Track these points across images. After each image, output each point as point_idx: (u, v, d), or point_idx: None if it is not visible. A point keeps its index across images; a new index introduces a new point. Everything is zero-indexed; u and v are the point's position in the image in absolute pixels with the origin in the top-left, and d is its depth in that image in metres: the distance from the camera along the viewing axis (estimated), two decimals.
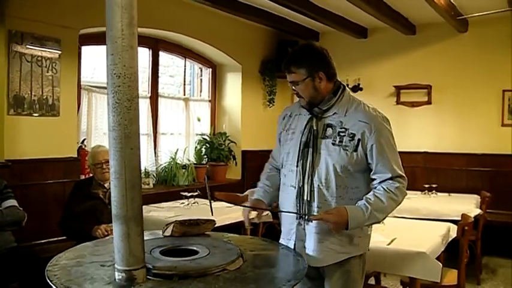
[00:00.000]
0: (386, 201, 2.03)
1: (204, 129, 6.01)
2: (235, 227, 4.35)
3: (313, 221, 2.08)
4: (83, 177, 4.16)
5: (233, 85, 6.25)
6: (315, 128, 2.13)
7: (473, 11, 4.93)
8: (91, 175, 3.52)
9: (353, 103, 2.15)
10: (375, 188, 2.10)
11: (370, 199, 2.04)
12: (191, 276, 1.63)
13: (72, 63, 4.13)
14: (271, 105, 6.60)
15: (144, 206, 3.88)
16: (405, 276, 2.96)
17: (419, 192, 5.07)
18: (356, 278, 2.18)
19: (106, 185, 3.38)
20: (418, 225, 3.32)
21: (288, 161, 2.19)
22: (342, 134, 2.08)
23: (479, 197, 4.90)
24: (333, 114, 2.13)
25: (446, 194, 5.07)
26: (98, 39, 4.59)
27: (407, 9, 5.26)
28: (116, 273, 1.57)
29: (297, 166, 2.14)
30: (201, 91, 6.24)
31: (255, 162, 6.21)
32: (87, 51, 4.64)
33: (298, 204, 2.14)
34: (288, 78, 2.13)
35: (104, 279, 1.60)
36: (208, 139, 5.88)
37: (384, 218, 2.07)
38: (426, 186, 5.08)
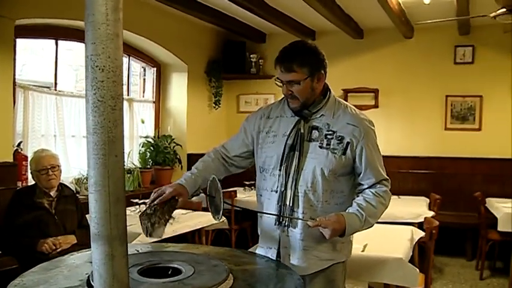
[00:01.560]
0: (377, 206, 1.97)
1: (148, 132, 5.70)
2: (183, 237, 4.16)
3: (297, 227, 1.98)
4: (20, 184, 3.74)
5: (178, 86, 5.99)
6: (302, 131, 1.99)
7: (420, 18, 5.03)
8: (33, 182, 3.15)
9: (339, 105, 2.05)
10: (363, 192, 2.02)
11: (362, 205, 1.94)
12: None
13: (6, 57, 3.70)
14: (217, 107, 6.42)
15: (88, 215, 3.65)
16: (375, 282, 2.91)
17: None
18: (339, 287, 2.09)
19: (52, 193, 3.04)
20: (383, 230, 3.27)
21: (271, 165, 2.04)
22: (329, 136, 1.98)
23: (427, 199, 5.01)
24: (320, 116, 2.01)
25: (396, 197, 5.12)
26: (34, 31, 4.20)
27: (359, 13, 5.29)
28: None
29: (280, 170, 2.00)
30: (144, 92, 5.92)
31: None
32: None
33: (279, 210, 2.00)
34: (283, 77, 1.96)
35: None
36: (152, 142, 5.58)
37: (375, 222, 2.00)
38: None
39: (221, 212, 1.92)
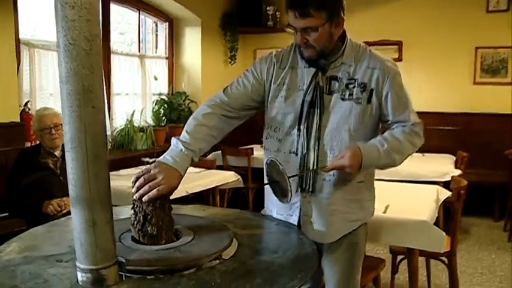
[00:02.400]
0: (403, 142, 1.74)
1: (161, 89, 5.53)
2: (200, 196, 4.03)
3: (324, 191, 1.79)
4: (28, 144, 3.63)
5: (192, 41, 5.75)
6: (320, 83, 1.77)
7: None
8: (38, 142, 3.02)
9: (359, 49, 1.80)
10: (390, 129, 1.83)
11: (385, 137, 1.75)
12: (178, 271, 1.27)
13: (6, 13, 3.52)
14: (232, 62, 6.17)
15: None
16: (397, 246, 2.74)
17: None
18: (362, 252, 1.94)
19: (56, 153, 2.91)
20: (406, 190, 3.08)
21: (286, 124, 1.81)
22: (350, 86, 1.75)
23: (453, 156, 4.76)
24: (340, 64, 1.78)
25: (420, 154, 4.87)
26: None
27: None
28: (79, 274, 1.19)
29: (299, 130, 1.79)
30: (156, 48, 5.71)
31: None
32: (24, 2, 4.00)
33: (300, 177, 1.80)
34: (297, 24, 1.68)
35: (62, 282, 1.21)
36: (166, 99, 5.42)
37: (401, 162, 1.78)
38: None
39: (290, 194, 1.67)
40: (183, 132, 1.72)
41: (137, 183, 1.52)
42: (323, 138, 1.76)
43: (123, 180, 3.37)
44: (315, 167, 1.76)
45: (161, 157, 1.65)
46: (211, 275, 1.25)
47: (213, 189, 3.79)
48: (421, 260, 2.82)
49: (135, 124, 4.85)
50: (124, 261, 1.27)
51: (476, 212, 5.01)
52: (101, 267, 1.17)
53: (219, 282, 1.21)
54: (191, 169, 3.89)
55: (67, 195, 2.77)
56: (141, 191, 1.49)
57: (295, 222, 1.82)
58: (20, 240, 1.54)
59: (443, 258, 2.88)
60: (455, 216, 2.73)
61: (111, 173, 3.52)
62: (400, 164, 1.78)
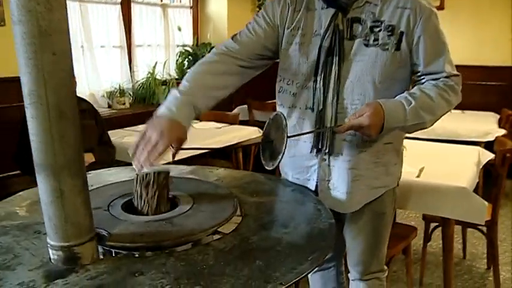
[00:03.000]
0: (435, 99, 1.46)
1: (185, 40, 5.27)
2: (225, 152, 3.85)
3: (344, 153, 1.54)
4: None
5: None
6: (340, 27, 1.49)
7: None
8: None
9: None
10: (421, 83, 1.54)
11: (413, 93, 1.47)
12: (166, 247, 1.09)
13: None
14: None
15: (117, 131, 3.37)
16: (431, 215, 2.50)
17: None
18: (388, 222, 1.72)
19: None
20: (443, 150, 2.80)
21: (302, 75, 1.56)
22: (376, 29, 1.47)
23: (497, 114, 4.38)
24: (363, 4, 1.49)
25: (460, 112, 4.52)
26: None
27: None
28: (50, 251, 1.02)
29: (316, 81, 1.53)
30: None
31: None
32: None
33: (317, 135, 1.57)
34: None
35: (34, 259, 1.05)
36: (191, 51, 5.17)
37: (431, 124, 1.50)
38: None
39: (278, 159, 1.42)
40: (182, 81, 1.50)
41: (136, 154, 1.28)
42: (343, 91, 1.51)
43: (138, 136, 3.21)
44: (332, 125, 1.52)
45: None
46: (204, 254, 1.06)
47: (236, 145, 3.59)
48: (457, 228, 2.57)
49: (158, 77, 4.65)
50: (105, 234, 1.10)
51: None
52: (74, 244, 1.00)
53: (212, 264, 1.02)
54: (212, 124, 3.74)
55: (84, 150, 2.71)
56: (140, 160, 1.26)
57: (313, 188, 1.61)
58: (3, 205, 1.39)
59: (482, 227, 2.62)
60: (499, 182, 2.45)
61: (129, 128, 3.42)
62: (430, 125, 1.50)
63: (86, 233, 1.01)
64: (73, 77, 0.98)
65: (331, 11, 1.50)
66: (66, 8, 0.93)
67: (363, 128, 1.40)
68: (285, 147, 1.41)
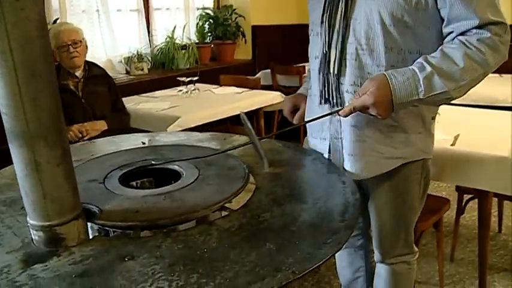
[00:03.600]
0: (461, 60, 1.17)
1: (206, 2, 5.06)
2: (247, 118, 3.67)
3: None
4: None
5: None
6: None
7: None
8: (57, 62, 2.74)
9: None
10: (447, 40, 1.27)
11: (432, 56, 1.21)
12: (163, 226, 0.95)
13: None
14: None
15: (134, 97, 3.24)
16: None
17: None
18: (415, 203, 1.50)
19: (77, 74, 2.63)
20: (481, 116, 2.56)
21: (315, 22, 1.38)
22: None
23: None
24: None
25: (497, 75, 4.21)
26: None
27: None
28: (32, 232, 0.89)
29: (322, 22, 1.34)
30: None
31: (267, 38, 5.35)
32: None
33: (322, 83, 1.38)
34: None
35: (15, 239, 0.92)
36: (211, 14, 4.97)
37: (460, 91, 1.20)
38: None
39: (264, 159, 1.29)
40: None
41: None
42: (348, 33, 1.29)
43: (155, 102, 3.09)
44: (335, 71, 1.33)
45: None
46: (207, 234, 0.92)
47: (257, 111, 3.43)
48: (493, 200, 2.37)
49: (177, 41, 4.49)
50: (96, 211, 0.97)
51: None
52: (56, 224, 0.87)
53: (214, 247, 0.87)
54: (231, 89, 3.58)
55: (90, 119, 2.60)
56: None
57: (327, 148, 1.43)
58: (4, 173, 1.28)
59: None
60: None
61: (144, 94, 3.30)
62: (460, 94, 1.22)
63: (69, 211, 0.88)
64: (46, 30, 0.83)
65: None
66: None
67: (368, 109, 1.20)
68: (261, 149, 1.28)
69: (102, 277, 0.79)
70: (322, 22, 1.35)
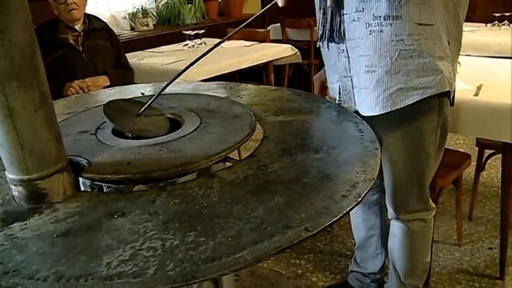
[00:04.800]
0: None
1: None
2: (257, 73, 3.54)
3: (354, 37, 1.25)
4: None
5: None
6: None
7: None
8: (56, 15, 2.60)
9: None
10: None
11: None
12: (158, 180, 0.85)
13: None
14: None
15: (137, 52, 3.10)
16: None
17: (484, 25, 4.02)
18: (427, 151, 1.38)
19: (77, 27, 2.49)
20: (503, 66, 2.39)
21: None
22: None
23: None
24: None
25: None
26: None
27: None
28: (11, 188, 0.80)
29: None
30: None
31: None
32: None
33: (323, 20, 1.31)
34: None
35: None
36: None
37: None
38: (496, 15, 3.98)
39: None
40: None
41: None
42: None
43: (160, 57, 2.95)
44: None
45: None
46: (207, 188, 0.81)
47: (267, 65, 3.27)
48: None
49: None
50: (85, 163, 0.87)
51: None
52: (36, 178, 0.77)
53: (215, 202, 0.77)
54: (240, 43, 3.41)
55: (90, 75, 2.48)
56: None
57: (337, 90, 1.37)
58: None
59: None
60: None
61: (150, 50, 3.16)
62: None
63: (52, 163, 0.78)
64: None
65: None
66: None
67: None
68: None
69: (87, 236, 0.69)
70: None
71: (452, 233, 2.31)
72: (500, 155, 2.07)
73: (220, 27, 4.18)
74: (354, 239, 1.89)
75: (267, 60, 3.12)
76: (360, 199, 0.79)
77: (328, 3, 1.25)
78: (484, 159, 2.44)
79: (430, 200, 1.51)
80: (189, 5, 4.27)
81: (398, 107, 1.26)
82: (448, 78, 1.27)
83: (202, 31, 3.20)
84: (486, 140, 2.20)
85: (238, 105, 1.19)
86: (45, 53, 2.29)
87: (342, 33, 1.26)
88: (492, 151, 2.37)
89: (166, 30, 4.05)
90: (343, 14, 1.24)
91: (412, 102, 1.25)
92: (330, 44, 1.33)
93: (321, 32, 1.32)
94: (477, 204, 2.57)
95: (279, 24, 4.45)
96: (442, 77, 1.25)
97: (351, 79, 1.31)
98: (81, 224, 0.72)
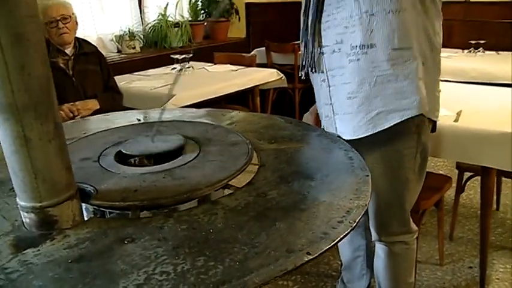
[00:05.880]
0: None
1: None
2: (242, 97, 3.60)
3: (334, 67, 1.35)
4: None
5: None
6: None
7: None
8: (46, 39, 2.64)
9: None
10: None
11: None
12: (164, 206, 0.89)
13: None
14: None
15: (126, 76, 3.15)
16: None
17: (461, 51, 4.19)
18: (407, 176, 1.44)
19: (67, 51, 2.53)
20: (480, 93, 2.51)
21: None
22: None
23: None
24: None
25: (494, 53, 4.16)
26: None
27: None
28: (22, 214, 0.83)
29: None
30: None
31: (262, 17, 5.26)
32: None
33: (306, 52, 1.40)
34: None
35: (5, 222, 0.85)
36: None
37: None
38: (472, 42, 4.15)
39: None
40: None
41: None
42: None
43: (148, 80, 3.00)
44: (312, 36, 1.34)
45: None
46: (212, 214, 0.86)
47: (253, 89, 3.35)
48: None
49: (170, 19, 4.37)
50: (92, 190, 0.90)
51: None
52: (48, 205, 0.80)
53: (221, 228, 0.81)
54: (227, 67, 3.48)
55: (80, 99, 2.51)
56: None
57: (329, 114, 1.44)
58: None
59: None
60: None
61: (137, 73, 3.21)
62: None
63: (63, 191, 0.81)
64: None
65: None
66: None
67: None
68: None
69: (101, 262, 0.72)
70: None
71: (434, 253, 2.38)
72: (479, 177, 2.16)
73: (206, 51, 4.26)
74: (340, 260, 1.94)
75: (254, 84, 3.20)
76: (354, 224, 0.84)
77: (309, 37, 1.33)
78: (463, 182, 2.53)
79: (412, 223, 1.57)
80: (176, 29, 4.35)
81: (380, 129, 1.33)
82: (425, 100, 1.33)
83: (191, 55, 3.26)
84: (466, 164, 2.29)
85: (234, 133, 1.24)
86: None
87: (322, 65, 1.35)
88: (471, 173, 2.47)
89: (153, 53, 4.11)
90: (324, 47, 1.32)
91: (393, 124, 1.32)
92: (312, 74, 1.42)
93: (303, 63, 1.40)
94: (457, 224, 2.66)
95: (263, 48, 4.54)
96: (420, 99, 1.32)
97: (332, 106, 1.40)
98: (94, 249, 0.76)
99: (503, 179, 2.73)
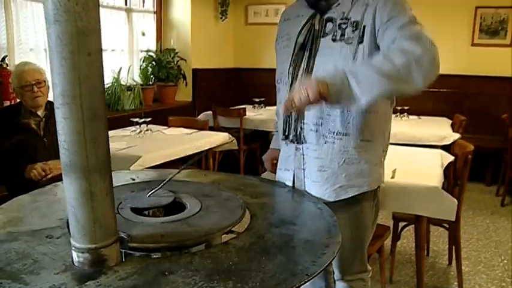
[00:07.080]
0: (390, 57, 1.35)
1: (149, 45, 5.24)
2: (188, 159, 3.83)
3: (308, 142, 1.62)
4: (8, 103, 3.37)
5: None
6: (316, 27, 1.59)
7: None
8: (18, 101, 2.77)
9: None
10: None
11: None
12: (187, 247, 1.11)
13: None
14: (223, 18, 5.87)
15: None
16: (401, 213, 2.63)
17: None
18: (368, 225, 1.76)
19: (39, 113, 2.67)
20: (409, 153, 2.95)
21: (283, 73, 1.68)
22: (343, 25, 1.55)
23: (450, 120, 4.65)
24: (337, 5, 1.58)
25: (416, 117, 4.77)
26: None
27: None
28: (74, 254, 1.02)
29: (288, 74, 1.65)
30: (144, 1, 5.37)
31: (207, 82, 5.64)
32: None
33: (286, 122, 1.68)
34: None
35: (55, 263, 1.04)
36: (154, 56, 5.15)
37: (396, 87, 1.36)
38: (398, 108, 4.72)
39: None
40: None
41: None
42: None
43: (113, 142, 3.15)
44: (296, 116, 1.63)
45: None
46: (226, 252, 1.10)
47: (206, 151, 3.61)
48: None
49: (122, 82, 4.60)
50: (125, 236, 1.11)
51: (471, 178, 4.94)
52: (101, 246, 1.00)
53: (237, 260, 1.06)
54: (182, 130, 3.75)
55: (51, 158, 2.63)
56: None
57: (291, 178, 1.69)
58: (2, 211, 1.35)
59: (446, 224, 2.80)
60: (461, 183, 2.62)
61: None
62: (395, 90, 1.41)
63: (112, 234, 1.02)
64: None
65: (311, 11, 1.63)
66: (99, 7, 0.95)
67: (301, 93, 1.33)
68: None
69: None
70: (288, 73, 1.63)
71: None
72: (411, 227, 2.52)
73: (156, 113, 4.50)
74: None
75: (210, 147, 3.48)
76: (334, 255, 1.12)
77: (293, 114, 1.61)
78: (399, 230, 2.90)
79: (367, 263, 1.87)
80: (129, 92, 4.56)
81: (341, 198, 1.64)
82: (378, 179, 1.68)
83: (149, 118, 3.50)
84: (400, 214, 2.67)
85: (224, 190, 1.50)
86: (7, 136, 2.45)
87: (301, 138, 1.63)
88: (405, 223, 2.84)
89: (108, 115, 4.24)
90: (304, 123, 1.61)
91: (351, 195, 1.63)
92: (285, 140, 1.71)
93: (286, 133, 1.67)
94: (395, 269, 3.00)
95: (210, 112, 4.85)
96: (374, 178, 1.66)
97: (304, 171, 1.66)
98: (142, 280, 0.97)
99: (431, 227, 3.13)
